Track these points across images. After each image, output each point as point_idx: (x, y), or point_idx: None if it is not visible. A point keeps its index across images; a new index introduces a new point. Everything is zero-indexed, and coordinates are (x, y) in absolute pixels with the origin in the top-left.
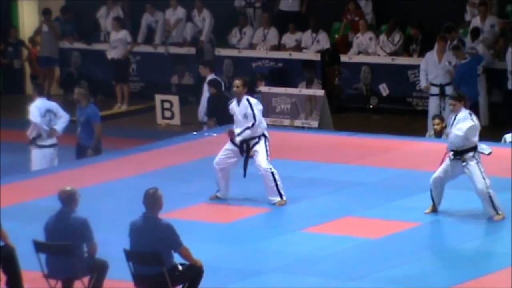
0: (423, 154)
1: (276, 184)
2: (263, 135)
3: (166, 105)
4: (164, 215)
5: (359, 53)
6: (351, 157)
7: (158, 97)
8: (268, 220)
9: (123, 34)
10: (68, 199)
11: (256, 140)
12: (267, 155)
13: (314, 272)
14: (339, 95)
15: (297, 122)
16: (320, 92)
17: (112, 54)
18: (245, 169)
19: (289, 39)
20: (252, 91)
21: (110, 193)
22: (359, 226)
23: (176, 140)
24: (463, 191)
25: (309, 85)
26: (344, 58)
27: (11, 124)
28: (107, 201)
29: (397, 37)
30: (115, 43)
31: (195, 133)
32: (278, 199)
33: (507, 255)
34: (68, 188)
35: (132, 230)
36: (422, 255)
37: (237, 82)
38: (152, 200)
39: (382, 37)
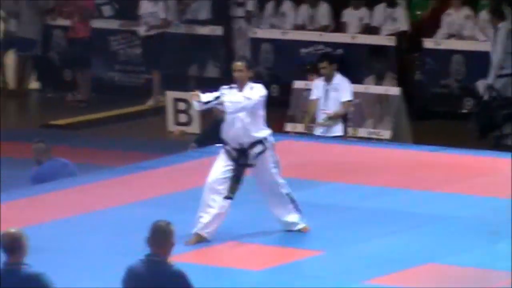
0: None
1: (295, 205)
2: (266, 140)
3: (181, 105)
4: (175, 258)
5: (449, 36)
6: (435, 181)
7: (170, 95)
8: (318, 266)
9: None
10: (13, 246)
11: (260, 148)
12: (279, 169)
13: None
14: (420, 94)
15: (362, 132)
16: (395, 91)
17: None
18: (233, 190)
19: (351, 16)
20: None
21: (97, 227)
22: (446, 277)
23: (193, 155)
24: None
25: (379, 80)
26: (428, 43)
27: None
28: (93, 238)
29: None
30: (149, 17)
31: (218, 145)
32: (302, 224)
33: None
34: (12, 230)
35: (129, 279)
36: None
37: (238, 64)
38: (162, 238)
39: (483, 15)
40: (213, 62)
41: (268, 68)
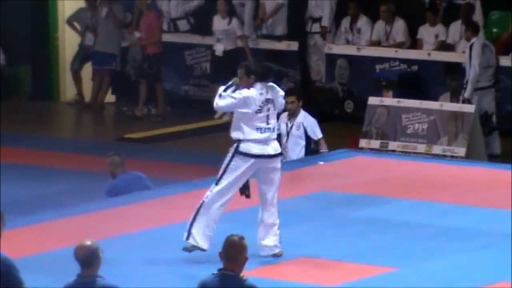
0: None
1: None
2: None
3: None
4: (247, 273)
5: None
6: (509, 199)
7: None
8: (392, 283)
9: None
10: (89, 258)
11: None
12: None
13: None
14: (495, 112)
15: (437, 149)
16: (470, 108)
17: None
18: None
19: (427, 33)
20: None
21: (171, 241)
22: None
23: None
24: None
25: (454, 97)
26: (504, 61)
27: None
28: (166, 252)
29: None
30: (221, 35)
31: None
32: (279, 249)
33: None
34: (88, 242)
35: None
36: None
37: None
38: (236, 252)
39: None
40: (288, 77)
41: (343, 84)
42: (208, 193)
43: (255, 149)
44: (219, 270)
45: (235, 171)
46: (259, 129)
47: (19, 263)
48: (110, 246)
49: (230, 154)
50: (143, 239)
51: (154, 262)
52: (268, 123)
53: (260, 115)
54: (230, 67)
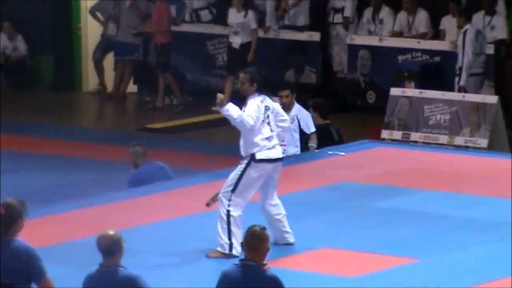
0: None
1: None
2: None
3: None
4: (269, 263)
5: None
6: None
7: None
8: (414, 274)
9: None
10: (111, 248)
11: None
12: None
13: None
14: None
15: (459, 140)
16: (492, 99)
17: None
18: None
19: (449, 23)
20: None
21: (192, 231)
22: None
23: (288, 160)
24: None
25: (477, 88)
26: None
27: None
28: (188, 242)
29: None
30: (238, 27)
31: (316, 151)
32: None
33: None
34: (111, 232)
35: (224, 283)
36: None
37: (240, 76)
38: (258, 242)
39: None
40: (310, 68)
41: (365, 75)
42: (225, 201)
43: (271, 154)
44: (241, 260)
45: (253, 177)
46: (267, 138)
47: (41, 253)
48: (131, 236)
49: (244, 162)
50: (165, 229)
51: (176, 252)
52: (271, 130)
53: (265, 123)
54: (246, 60)
